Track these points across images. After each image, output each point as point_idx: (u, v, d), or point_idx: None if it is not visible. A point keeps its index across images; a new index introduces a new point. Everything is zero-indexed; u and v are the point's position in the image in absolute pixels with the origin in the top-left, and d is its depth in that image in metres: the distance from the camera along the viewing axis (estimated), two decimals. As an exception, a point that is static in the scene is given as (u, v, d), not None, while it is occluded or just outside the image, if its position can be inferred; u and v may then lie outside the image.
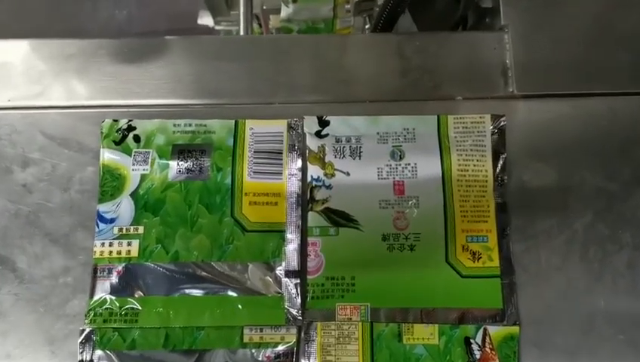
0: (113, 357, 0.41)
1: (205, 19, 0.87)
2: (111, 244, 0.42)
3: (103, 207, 0.43)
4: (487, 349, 0.41)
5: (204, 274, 0.42)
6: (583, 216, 0.45)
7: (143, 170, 0.43)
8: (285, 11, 0.90)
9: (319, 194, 0.44)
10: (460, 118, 0.46)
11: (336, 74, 0.48)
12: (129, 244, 0.42)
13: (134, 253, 0.42)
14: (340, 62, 0.48)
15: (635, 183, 0.46)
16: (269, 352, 0.41)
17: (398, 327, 0.42)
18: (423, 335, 0.41)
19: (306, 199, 0.44)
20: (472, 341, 0.41)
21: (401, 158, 0.45)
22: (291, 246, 0.43)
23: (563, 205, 0.45)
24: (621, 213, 0.45)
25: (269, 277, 0.42)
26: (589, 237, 0.44)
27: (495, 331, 0.41)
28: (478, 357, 0.41)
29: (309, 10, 0.93)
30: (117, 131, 0.45)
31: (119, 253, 0.42)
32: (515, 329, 0.41)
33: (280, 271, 0.42)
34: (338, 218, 0.43)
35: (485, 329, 0.41)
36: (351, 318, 0.42)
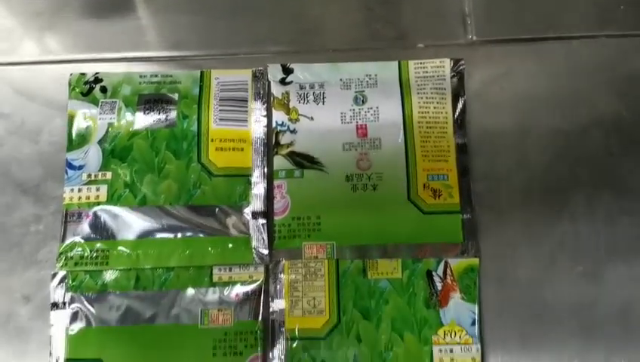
0: (85, 299, 0.42)
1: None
2: (80, 190, 0.43)
3: (71, 155, 0.44)
4: (449, 280, 0.43)
5: (172, 217, 0.43)
6: (542, 157, 0.46)
7: (110, 118, 0.44)
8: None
9: (284, 139, 0.45)
10: (421, 62, 0.47)
11: (300, 24, 0.49)
12: (97, 190, 0.43)
13: (103, 197, 0.43)
14: (303, 12, 0.49)
15: (592, 124, 0.47)
16: (238, 290, 0.42)
17: (362, 263, 0.43)
18: (387, 269, 0.43)
19: (272, 144, 0.45)
20: (433, 273, 0.43)
21: (363, 103, 0.46)
22: (258, 189, 0.44)
23: (522, 146, 0.46)
24: (579, 153, 0.46)
25: (236, 219, 0.43)
26: (548, 176, 0.46)
27: (456, 263, 0.43)
28: (439, 288, 0.42)
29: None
30: (84, 83, 0.46)
31: (88, 198, 0.43)
32: (475, 261, 0.43)
33: (247, 213, 0.43)
34: (303, 160, 0.44)
35: (446, 262, 0.43)
36: (317, 256, 0.43)
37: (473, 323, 0.42)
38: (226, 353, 0.41)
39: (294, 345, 0.41)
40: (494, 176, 0.46)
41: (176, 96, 0.45)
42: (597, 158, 0.46)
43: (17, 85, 0.47)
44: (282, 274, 0.43)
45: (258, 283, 0.43)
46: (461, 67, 0.47)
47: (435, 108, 0.46)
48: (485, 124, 0.47)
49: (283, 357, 0.41)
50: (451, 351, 0.41)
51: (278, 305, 0.42)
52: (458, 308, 0.42)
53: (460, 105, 0.46)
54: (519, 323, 0.43)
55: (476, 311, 0.42)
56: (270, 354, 0.42)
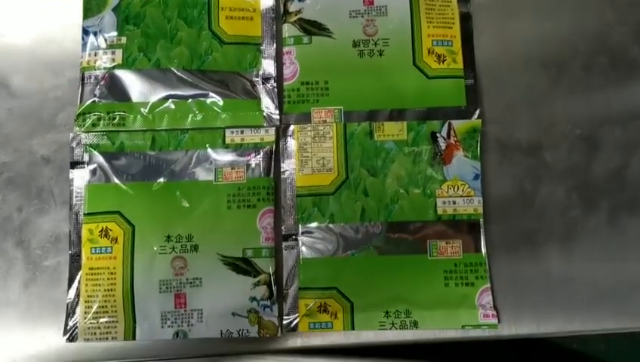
0: (103, 158, 0.43)
1: None
2: (96, 54, 0.44)
3: (87, 22, 0.45)
4: (452, 141, 0.44)
5: (185, 81, 0.44)
6: (541, 26, 0.47)
7: (123, -13, 0.45)
8: None
9: (292, 7, 0.46)
10: None
11: None
12: (113, 53, 0.44)
13: (118, 60, 0.44)
14: None
15: (594, -2, 0.48)
16: (250, 151, 0.44)
17: (369, 126, 0.44)
18: (393, 131, 0.44)
19: (280, 12, 0.46)
20: (437, 134, 0.44)
21: (369, -26, 0.47)
22: (267, 56, 0.45)
23: (523, 16, 0.48)
24: (576, 24, 0.48)
25: (247, 84, 0.45)
26: (547, 45, 0.47)
27: (459, 125, 0.44)
28: (443, 147, 0.44)
29: None
30: (95, -43, 0.46)
31: (104, 61, 0.44)
32: (478, 122, 0.45)
33: (257, 78, 0.45)
34: (311, 27, 0.46)
35: (450, 124, 0.44)
36: (325, 120, 0.45)
37: (475, 178, 0.44)
38: (240, 206, 0.43)
39: (304, 200, 0.43)
40: (496, 44, 0.47)
41: (186, -33, 0.46)
42: (594, 28, 0.47)
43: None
44: (292, 138, 0.44)
45: (269, 144, 0.44)
46: (465, -61, 0.47)
47: (439, -23, 0.47)
48: (489, -5, 0.48)
49: (294, 211, 0.43)
50: (454, 202, 0.43)
51: (288, 164, 0.44)
52: (461, 165, 0.44)
53: (464, -24, 0.47)
54: (519, 182, 0.45)
55: (479, 167, 0.44)
56: (282, 208, 0.44)
